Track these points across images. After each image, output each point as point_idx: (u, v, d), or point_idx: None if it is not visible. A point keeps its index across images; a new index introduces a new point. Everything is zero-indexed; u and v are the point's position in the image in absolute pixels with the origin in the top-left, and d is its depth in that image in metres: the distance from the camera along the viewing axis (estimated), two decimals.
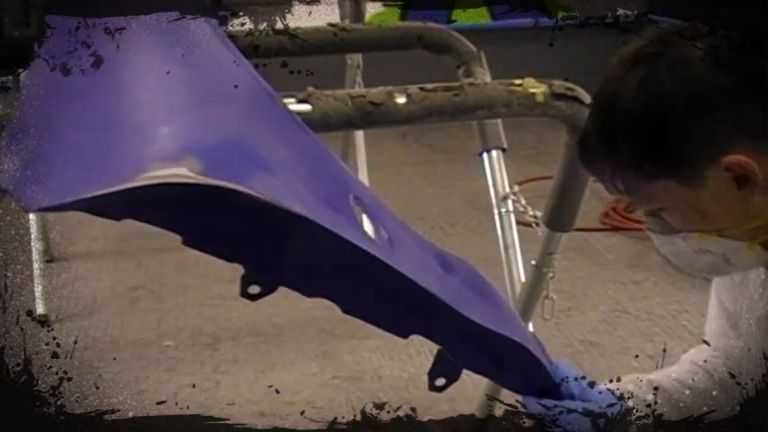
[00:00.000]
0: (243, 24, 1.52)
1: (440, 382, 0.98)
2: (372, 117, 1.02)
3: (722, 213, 0.97)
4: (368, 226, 0.88)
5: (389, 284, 0.85)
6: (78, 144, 0.76)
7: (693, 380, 1.13)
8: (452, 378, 0.98)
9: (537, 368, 1.00)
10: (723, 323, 1.16)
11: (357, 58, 3.21)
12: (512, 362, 0.99)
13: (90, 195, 0.68)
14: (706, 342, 1.18)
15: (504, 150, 1.92)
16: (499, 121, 1.89)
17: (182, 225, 0.77)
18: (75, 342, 0.93)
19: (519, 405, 1.00)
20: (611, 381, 1.07)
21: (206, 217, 0.77)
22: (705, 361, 1.15)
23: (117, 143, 0.75)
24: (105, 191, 0.68)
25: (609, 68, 1.00)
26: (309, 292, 0.87)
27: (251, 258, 0.81)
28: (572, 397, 1.02)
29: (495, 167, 1.91)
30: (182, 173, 0.69)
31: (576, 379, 1.02)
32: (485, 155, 1.91)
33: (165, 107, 0.81)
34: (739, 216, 0.97)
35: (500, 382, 1.02)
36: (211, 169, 0.70)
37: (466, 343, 0.96)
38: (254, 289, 0.82)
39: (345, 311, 0.89)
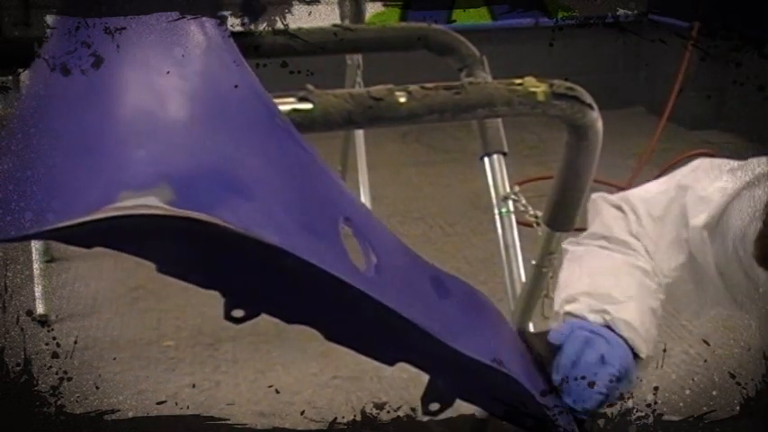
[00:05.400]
0: (243, 24, 1.52)
1: (434, 406, 0.97)
2: (373, 113, 1.02)
3: None
4: (354, 250, 0.86)
5: (372, 314, 0.84)
6: (54, 166, 0.75)
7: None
8: (447, 403, 0.97)
9: (527, 397, 0.98)
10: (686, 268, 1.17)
11: (357, 59, 3.21)
12: (500, 390, 0.97)
13: (50, 228, 0.67)
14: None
15: (504, 154, 1.92)
16: (500, 125, 1.89)
17: (154, 254, 0.76)
18: (76, 342, 0.93)
19: (519, 405, 0.99)
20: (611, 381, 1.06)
21: (179, 246, 0.76)
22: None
23: (92, 167, 0.74)
24: (67, 223, 0.67)
25: None
26: (290, 320, 0.86)
27: (227, 286, 0.81)
28: (572, 396, 1.02)
29: (496, 170, 1.92)
30: (150, 203, 0.68)
31: (575, 379, 1.02)
32: (486, 158, 1.91)
33: (151, 123, 0.80)
34: None
35: (489, 410, 1.00)
36: (183, 197, 0.69)
37: (453, 371, 0.94)
38: (238, 313, 0.82)
39: (328, 339, 0.88)
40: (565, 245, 1.24)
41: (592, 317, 1.09)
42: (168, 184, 0.70)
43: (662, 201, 1.20)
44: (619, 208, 1.24)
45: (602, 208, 1.25)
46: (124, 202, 0.68)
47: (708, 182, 1.17)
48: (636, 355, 1.07)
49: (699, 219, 1.14)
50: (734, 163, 1.17)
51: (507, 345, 1.01)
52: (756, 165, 1.13)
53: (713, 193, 1.14)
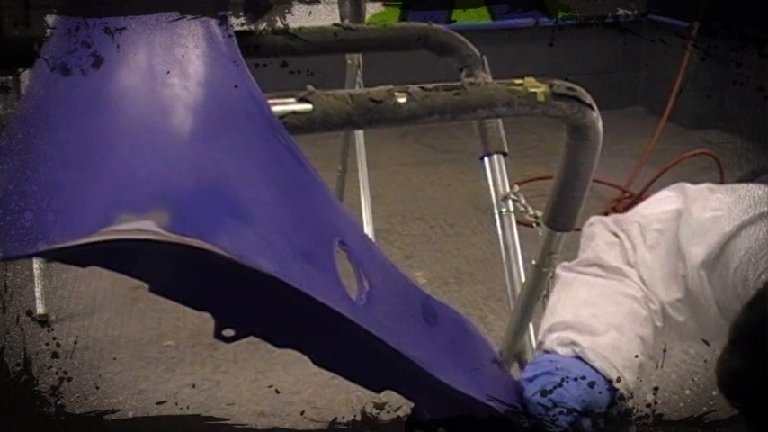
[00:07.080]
0: (243, 24, 1.52)
1: None
2: (373, 115, 1.02)
3: None
4: (347, 272, 0.86)
5: (362, 343, 0.84)
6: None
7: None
8: (431, 430, 0.98)
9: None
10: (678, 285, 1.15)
11: (357, 58, 3.21)
12: (485, 422, 0.97)
13: (44, 249, 0.68)
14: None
15: (505, 154, 1.92)
16: (501, 125, 1.89)
17: (149, 275, 0.76)
18: (75, 342, 0.93)
19: (519, 405, 1.00)
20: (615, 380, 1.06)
21: (174, 268, 0.76)
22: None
23: (90, 185, 0.74)
24: (61, 245, 0.67)
25: None
26: (280, 344, 0.86)
27: (220, 309, 0.81)
28: (572, 397, 1.02)
29: (496, 170, 1.91)
30: (146, 227, 0.68)
31: (575, 379, 1.02)
32: (486, 158, 1.91)
33: (151, 136, 0.79)
34: None
35: None
36: (179, 222, 0.69)
37: (439, 401, 0.94)
38: (228, 332, 0.82)
39: (317, 364, 0.89)
40: (558, 269, 1.21)
41: (561, 350, 1.08)
42: (165, 206, 0.70)
43: (656, 228, 1.17)
44: (615, 234, 1.20)
45: (596, 233, 1.22)
46: (121, 225, 0.68)
47: (699, 207, 1.13)
48: (614, 382, 1.05)
49: (696, 256, 1.10)
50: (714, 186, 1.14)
51: (493, 376, 1.01)
52: (745, 192, 1.09)
53: (706, 223, 1.10)
